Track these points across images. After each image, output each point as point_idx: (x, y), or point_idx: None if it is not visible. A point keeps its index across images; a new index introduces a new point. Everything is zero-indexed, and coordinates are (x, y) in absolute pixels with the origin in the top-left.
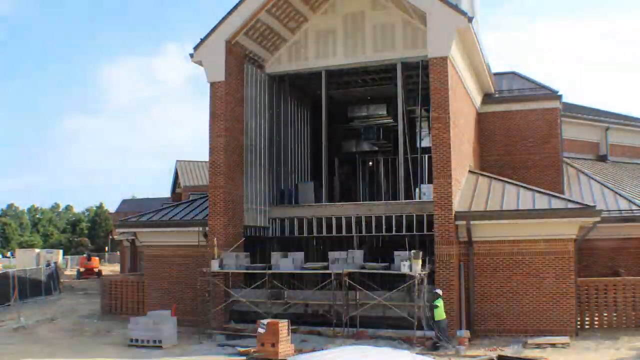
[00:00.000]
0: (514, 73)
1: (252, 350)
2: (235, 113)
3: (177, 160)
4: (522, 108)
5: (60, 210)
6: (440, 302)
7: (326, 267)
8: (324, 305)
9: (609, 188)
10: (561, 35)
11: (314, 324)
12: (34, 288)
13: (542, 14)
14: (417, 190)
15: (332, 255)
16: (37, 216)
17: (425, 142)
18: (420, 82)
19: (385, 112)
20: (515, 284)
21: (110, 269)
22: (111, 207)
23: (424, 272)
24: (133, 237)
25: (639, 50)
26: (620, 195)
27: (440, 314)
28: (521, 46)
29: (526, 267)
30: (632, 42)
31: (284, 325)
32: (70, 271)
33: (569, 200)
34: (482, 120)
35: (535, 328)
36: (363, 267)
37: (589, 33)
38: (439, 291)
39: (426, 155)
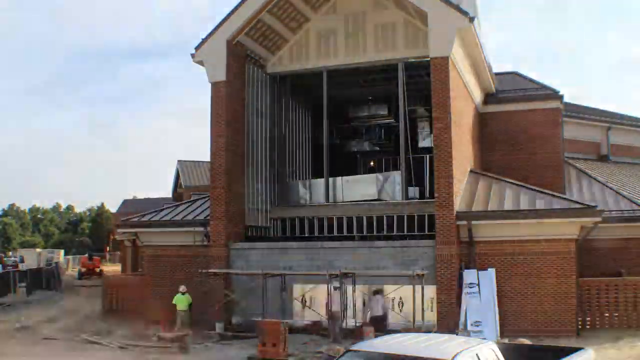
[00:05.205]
0: (515, 73)
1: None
2: (237, 113)
3: (179, 160)
4: (523, 108)
5: (61, 210)
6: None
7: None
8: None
9: (610, 188)
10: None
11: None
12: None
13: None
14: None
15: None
16: (39, 216)
17: (427, 142)
18: (421, 82)
19: (386, 112)
20: (517, 284)
21: (111, 269)
22: (112, 207)
23: (425, 271)
24: (134, 237)
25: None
26: (621, 195)
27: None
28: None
29: (527, 267)
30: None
31: (284, 325)
32: (71, 271)
33: (570, 201)
34: (483, 120)
35: (536, 328)
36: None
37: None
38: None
39: (427, 155)
